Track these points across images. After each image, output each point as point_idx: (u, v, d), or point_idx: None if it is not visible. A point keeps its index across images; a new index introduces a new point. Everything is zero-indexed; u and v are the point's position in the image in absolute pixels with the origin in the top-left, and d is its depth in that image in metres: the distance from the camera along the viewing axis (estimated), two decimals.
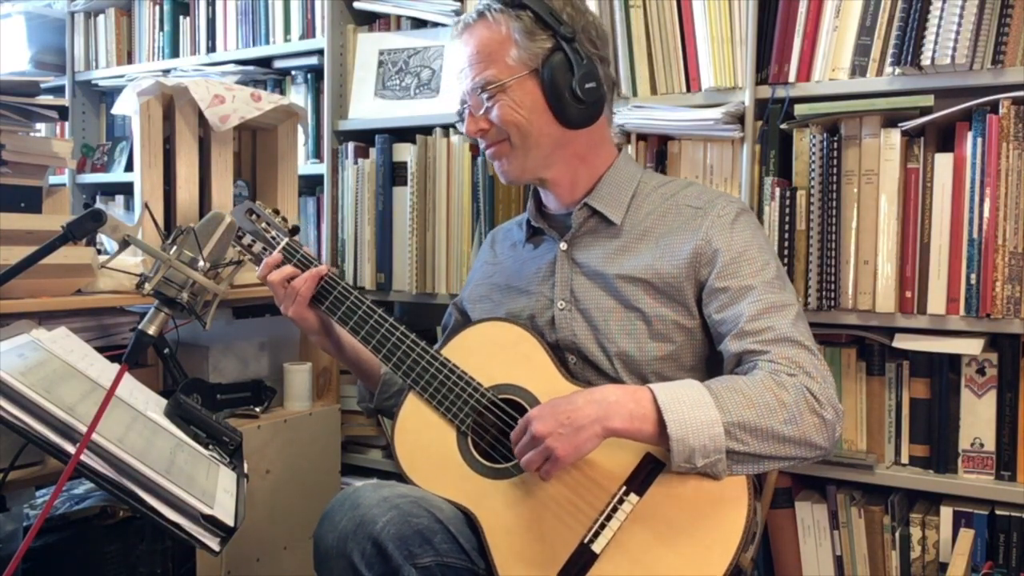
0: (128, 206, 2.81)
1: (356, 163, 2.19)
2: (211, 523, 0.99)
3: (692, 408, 1.12)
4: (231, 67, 2.48)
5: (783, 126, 1.70)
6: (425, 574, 1.13)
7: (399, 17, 2.22)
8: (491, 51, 1.29)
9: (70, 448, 0.95)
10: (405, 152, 2.11)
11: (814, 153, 1.64)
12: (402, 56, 2.20)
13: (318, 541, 1.18)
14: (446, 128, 2.08)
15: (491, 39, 1.29)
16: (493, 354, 1.31)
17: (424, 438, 1.29)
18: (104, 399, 0.98)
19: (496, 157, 1.35)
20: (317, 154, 2.38)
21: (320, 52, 2.30)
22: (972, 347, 1.55)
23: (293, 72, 2.43)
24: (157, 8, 2.72)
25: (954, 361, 1.61)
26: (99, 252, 1.78)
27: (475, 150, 2.02)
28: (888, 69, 1.61)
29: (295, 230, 1.46)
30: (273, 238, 1.43)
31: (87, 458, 0.96)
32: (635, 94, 1.83)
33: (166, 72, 2.57)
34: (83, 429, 0.96)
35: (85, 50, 2.90)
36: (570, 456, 1.12)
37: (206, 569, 1.66)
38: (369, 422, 2.19)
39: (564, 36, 1.27)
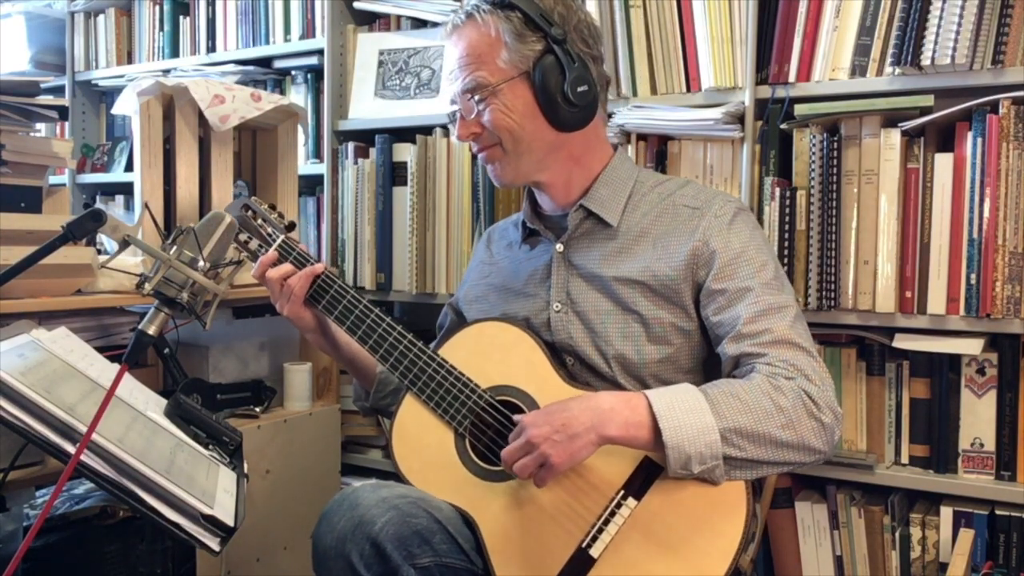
0: (128, 206, 2.81)
1: (356, 163, 2.19)
2: (211, 523, 0.99)
3: (688, 414, 1.11)
4: (231, 67, 2.48)
5: (783, 126, 1.70)
6: (424, 574, 1.13)
7: (399, 17, 2.22)
8: (480, 53, 1.27)
9: (70, 448, 0.95)
10: (405, 152, 2.11)
11: (814, 153, 1.64)
12: (402, 56, 2.20)
13: (317, 541, 1.18)
14: (446, 128, 2.07)
15: (480, 41, 1.27)
16: (490, 355, 1.30)
17: (422, 440, 1.29)
18: (104, 399, 0.98)
19: (489, 161, 1.33)
20: (317, 154, 2.38)
21: (320, 52, 2.30)
22: (972, 347, 1.55)
23: (293, 72, 2.43)
24: (157, 8, 2.72)
25: (954, 361, 1.61)
26: (99, 252, 1.78)
27: None
28: (888, 69, 1.61)
29: (291, 226, 1.45)
30: (269, 235, 1.41)
31: (87, 458, 0.96)
32: (635, 94, 1.83)
33: (166, 72, 2.58)
34: (83, 429, 0.96)
35: (85, 50, 2.90)
36: (565, 463, 1.11)
37: (206, 569, 1.66)
38: (369, 422, 2.19)
39: (555, 38, 1.24)
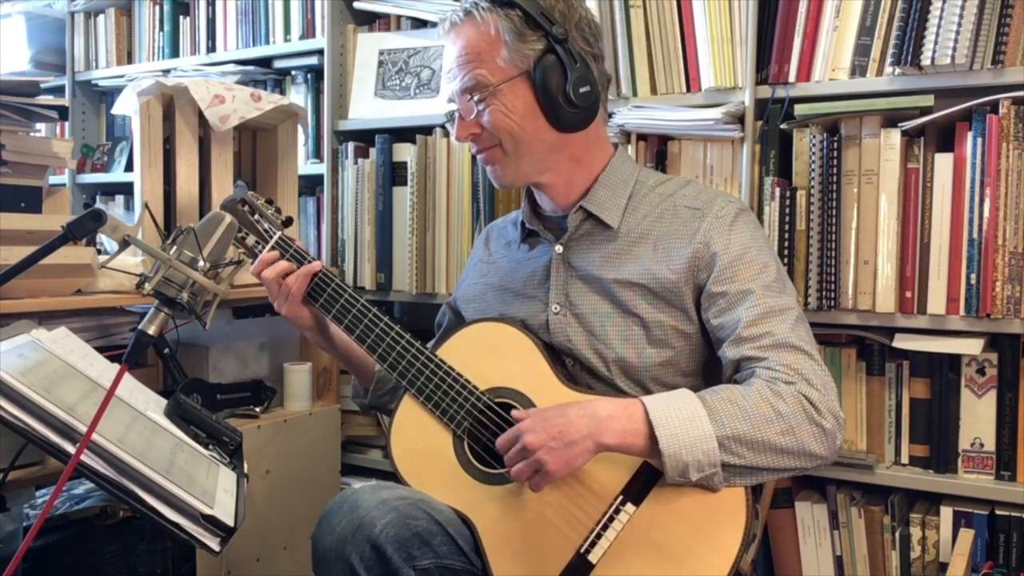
0: (128, 206, 2.81)
1: (356, 163, 2.19)
2: (211, 523, 0.99)
3: (685, 422, 1.10)
4: (231, 67, 2.48)
5: (783, 126, 1.69)
6: None
7: (399, 17, 2.22)
8: (480, 52, 1.24)
9: (70, 448, 0.95)
10: (405, 152, 2.11)
11: (814, 153, 1.64)
12: (402, 56, 2.20)
13: (316, 543, 1.17)
14: (446, 128, 2.07)
15: (479, 39, 1.24)
16: (488, 356, 1.29)
17: (420, 442, 1.28)
18: (104, 399, 0.98)
19: (488, 162, 1.31)
20: (317, 154, 2.38)
21: (320, 52, 2.30)
22: (972, 347, 1.55)
23: (293, 72, 2.43)
24: (157, 8, 2.72)
25: (954, 361, 1.61)
26: (99, 252, 1.78)
27: None
28: (888, 69, 1.61)
29: (288, 221, 1.43)
30: (266, 230, 1.40)
31: (87, 458, 0.96)
32: (635, 94, 1.83)
33: (166, 72, 2.58)
34: (83, 429, 0.96)
35: (85, 50, 2.90)
36: (561, 470, 1.11)
37: (206, 569, 1.66)
38: (369, 422, 2.19)
39: (556, 37, 1.22)
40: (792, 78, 1.68)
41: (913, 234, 1.59)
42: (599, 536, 1.14)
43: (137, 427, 1.11)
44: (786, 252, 1.66)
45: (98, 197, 2.90)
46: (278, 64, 2.45)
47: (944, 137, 1.61)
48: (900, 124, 1.58)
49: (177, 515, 0.98)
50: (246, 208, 1.41)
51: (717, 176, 1.77)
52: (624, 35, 1.82)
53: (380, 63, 2.23)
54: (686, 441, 1.09)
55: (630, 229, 1.30)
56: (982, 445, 1.59)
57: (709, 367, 1.28)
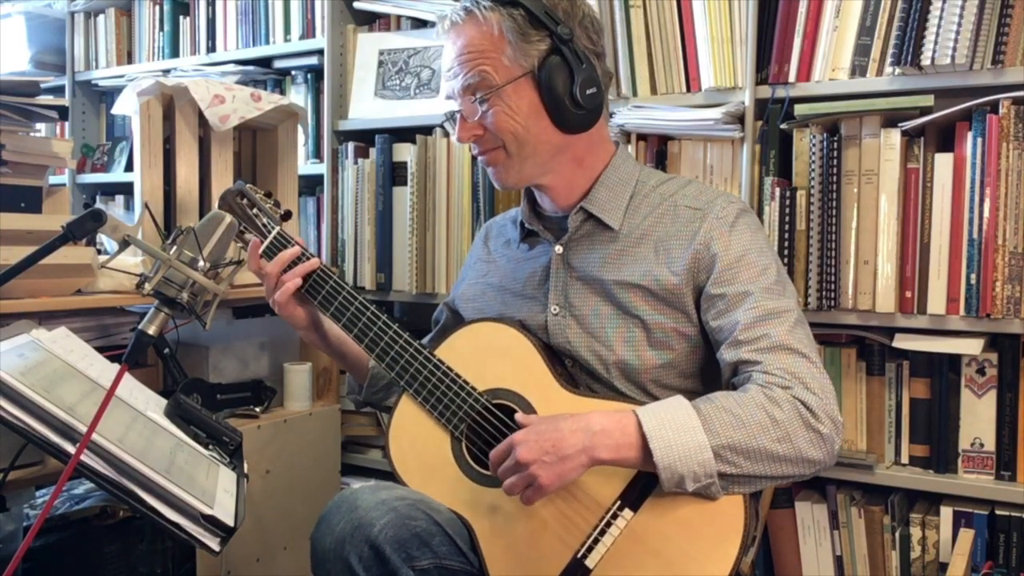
0: (128, 206, 2.81)
1: (356, 163, 2.19)
2: (211, 523, 0.99)
3: (679, 433, 1.08)
4: (231, 67, 2.48)
5: (783, 126, 1.70)
6: None
7: (399, 17, 2.22)
8: (483, 50, 1.21)
9: (70, 448, 0.95)
10: (405, 152, 2.11)
11: (814, 153, 1.64)
12: (402, 56, 2.20)
13: (315, 544, 1.17)
14: (446, 128, 2.07)
15: (481, 39, 1.21)
16: (487, 356, 1.28)
17: (418, 443, 1.28)
18: (104, 399, 0.98)
19: (490, 164, 1.29)
20: (317, 154, 2.38)
21: (320, 52, 2.30)
22: (972, 347, 1.55)
23: (293, 72, 2.43)
24: (157, 8, 2.72)
25: (954, 361, 1.61)
26: (99, 252, 1.78)
27: None
28: (888, 69, 1.61)
29: (287, 215, 1.41)
30: (264, 225, 1.39)
31: (87, 458, 0.96)
32: (635, 94, 1.83)
33: (166, 72, 2.58)
34: (83, 429, 0.96)
35: (85, 50, 2.90)
36: (553, 485, 1.10)
37: (206, 569, 1.66)
38: (369, 422, 2.19)
39: (561, 37, 1.20)
40: (792, 78, 1.68)
41: (913, 234, 1.59)
42: (596, 541, 1.14)
43: (137, 427, 1.11)
44: (786, 252, 1.66)
45: (98, 197, 2.90)
46: (278, 64, 2.45)
47: (944, 137, 1.61)
48: (900, 124, 1.58)
49: (177, 515, 0.98)
50: (244, 202, 1.39)
51: (717, 176, 1.77)
52: (624, 35, 1.82)
53: (380, 63, 2.23)
54: (681, 452, 1.08)
55: (631, 230, 1.28)
56: (982, 445, 1.59)
57: (709, 369, 1.27)
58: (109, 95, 2.96)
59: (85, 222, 1.16)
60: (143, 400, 1.25)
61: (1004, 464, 1.57)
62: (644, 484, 1.14)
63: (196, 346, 1.87)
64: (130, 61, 2.82)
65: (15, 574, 1.06)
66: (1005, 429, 1.57)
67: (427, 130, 2.11)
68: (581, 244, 1.31)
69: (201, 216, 1.73)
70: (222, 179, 1.85)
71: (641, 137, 1.84)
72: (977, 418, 1.60)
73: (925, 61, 1.53)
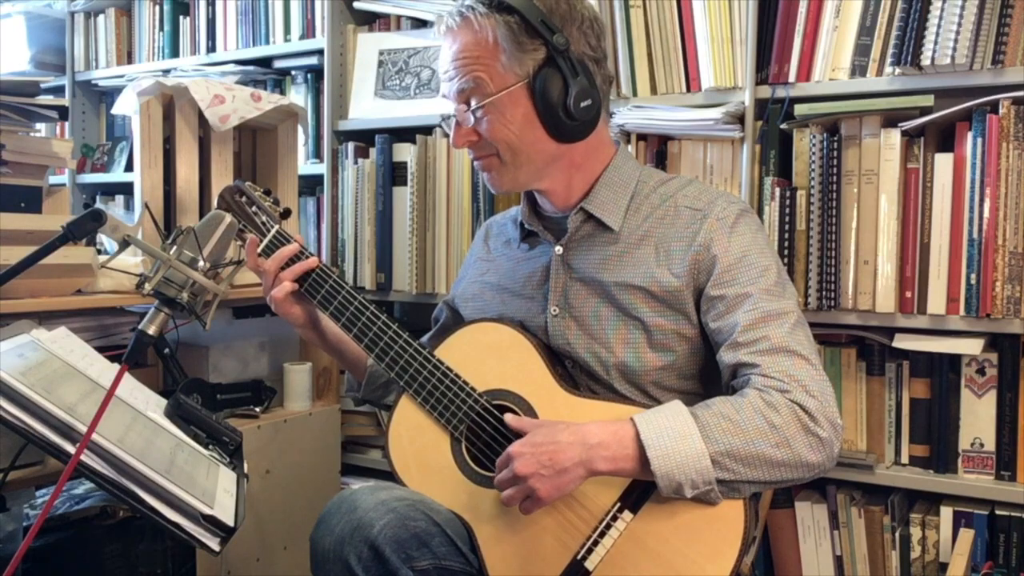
0: (128, 206, 2.81)
1: (356, 163, 2.19)
2: (211, 523, 0.99)
3: (677, 441, 1.08)
4: (231, 67, 2.48)
5: (783, 126, 1.70)
6: None
7: (399, 17, 2.22)
8: (477, 56, 1.20)
9: (70, 448, 0.95)
10: (405, 152, 2.11)
11: (814, 153, 1.64)
12: (402, 56, 2.20)
13: (315, 544, 1.17)
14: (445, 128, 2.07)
15: (476, 44, 1.20)
16: (487, 357, 1.28)
17: (418, 443, 1.27)
18: (104, 399, 0.98)
19: (485, 170, 1.28)
20: (317, 154, 2.38)
21: (320, 52, 2.30)
22: (972, 347, 1.55)
23: (293, 72, 2.43)
24: (157, 8, 2.72)
25: (954, 361, 1.62)
26: (99, 252, 1.78)
27: None
28: (888, 69, 1.61)
29: (287, 213, 1.41)
30: (263, 223, 1.38)
31: (87, 458, 0.96)
32: (635, 94, 1.83)
33: (166, 72, 2.58)
34: (83, 429, 0.96)
35: (85, 50, 2.90)
36: (552, 496, 1.10)
37: (206, 569, 1.66)
38: (369, 422, 2.19)
39: (557, 47, 1.18)
40: (792, 78, 1.68)
41: (913, 234, 1.59)
42: (596, 543, 1.13)
43: (137, 427, 1.11)
44: (786, 252, 1.66)
45: (98, 197, 2.90)
46: (278, 64, 2.45)
47: (944, 137, 1.61)
48: (900, 124, 1.58)
49: (177, 515, 0.98)
50: (244, 199, 1.39)
51: (717, 176, 1.77)
52: (624, 35, 1.82)
53: (380, 63, 2.23)
54: (678, 460, 1.07)
55: (631, 231, 1.28)
56: (982, 445, 1.59)
57: (709, 371, 1.27)
58: (109, 95, 2.96)
59: (85, 222, 1.16)
60: (143, 400, 1.25)
61: (1004, 464, 1.57)
62: (644, 487, 1.13)
63: (196, 346, 1.87)
64: (130, 61, 2.82)
65: (15, 574, 1.06)
66: (1005, 429, 1.57)
67: (427, 130, 2.11)
68: (581, 245, 1.30)
69: (201, 216, 1.73)
70: (222, 179, 1.85)
71: (641, 137, 1.84)
72: (977, 418, 1.60)
73: (925, 61, 1.53)
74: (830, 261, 1.63)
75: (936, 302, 1.57)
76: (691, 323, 1.23)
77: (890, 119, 1.60)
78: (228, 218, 1.29)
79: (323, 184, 2.28)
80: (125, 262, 1.60)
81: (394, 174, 2.13)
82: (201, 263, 1.20)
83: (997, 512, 1.58)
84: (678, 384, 1.26)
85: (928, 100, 1.53)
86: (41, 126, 1.99)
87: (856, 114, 1.60)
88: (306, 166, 2.34)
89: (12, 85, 1.55)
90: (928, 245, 1.58)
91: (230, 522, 1.01)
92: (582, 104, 1.20)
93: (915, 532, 1.64)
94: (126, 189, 2.80)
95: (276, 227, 1.38)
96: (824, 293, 1.63)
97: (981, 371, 1.59)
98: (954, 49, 1.50)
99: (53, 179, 2.75)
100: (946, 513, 1.61)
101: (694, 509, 1.11)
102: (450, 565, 1.16)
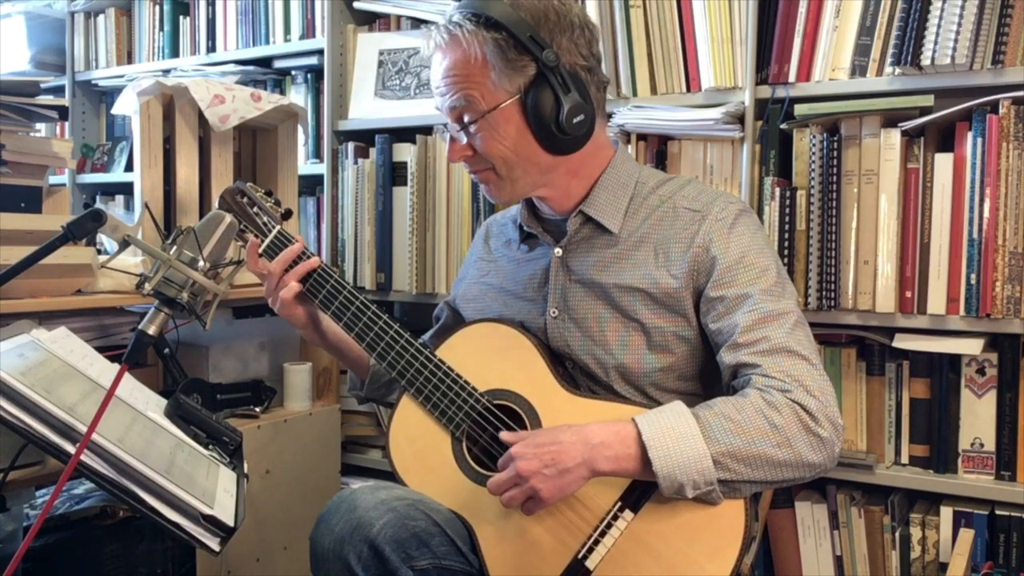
0: (128, 206, 2.81)
1: (356, 163, 2.19)
2: (211, 523, 0.99)
3: (678, 441, 1.08)
4: (231, 67, 2.48)
5: (783, 126, 1.70)
6: None
7: (399, 17, 2.22)
8: (468, 74, 1.19)
9: (70, 448, 0.95)
10: (405, 152, 2.11)
11: (814, 153, 1.64)
12: (402, 56, 2.20)
13: (314, 544, 1.17)
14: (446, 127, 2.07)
15: (465, 63, 1.19)
16: (488, 357, 1.28)
17: (418, 443, 1.27)
18: (104, 399, 0.98)
19: (483, 182, 1.29)
20: (317, 154, 2.38)
21: (320, 52, 2.30)
22: (972, 347, 1.55)
23: (293, 72, 2.43)
24: (157, 8, 2.73)
25: (954, 361, 1.62)
26: (99, 252, 1.78)
27: None
28: (888, 69, 1.61)
29: (288, 214, 1.41)
30: (265, 224, 1.38)
31: (87, 458, 0.96)
32: (635, 94, 1.83)
33: (166, 72, 2.58)
34: (83, 429, 0.96)
35: (85, 50, 2.90)
36: (554, 497, 1.10)
37: (206, 569, 1.66)
38: (369, 422, 2.19)
39: (546, 63, 1.16)
40: (792, 78, 1.68)
41: (913, 234, 1.59)
42: (597, 542, 1.13)
43: (137, 427, 1.11)
44: (786, 252, 1.66)
45: (98, 197, 2.90)
46: (278, 64, 2.45)
47: (944, 137, 1.61)
48: (900, 124, 1.58)
49: (177, 515, 0.98)
50: (245, 200, 1.39)
51: (717, 176, 1.77)
52: (624, 35, 1.82)
53: (380, 63, 2.23)
54: (680, 461, 1.08)
55: (630, 233, 1.27)
56: (982, 445, 1.59)
57: (709, 372, 1.26)
58: (109, 95, 2.96)
59: (85, 222, 1.16)
60: (143, 400, 1.25)
61: (1004, 464, 1.58)
62: (645, 486, 1.13)
63: (196, 346, 1.87)
64: (130, 61, 2.82)
65: (15, 574, 1.06)
66: (1005, 429, 1.57)
67: (427, 130, 2.11)
68: (580, 247, 1.30)
69: (201, 216, 1.73)
70: (222, 179, 1.85)
71: (641, 137, 1.84)
72: (977, 418, 1.60)
73: (925, 61, 1.53)
74: (830, 261, 1.63)
75: (936, 302, 1.57)
76: (690, 324, 1.23)
77: (890, 119, 1.60)
78: (228, 218, 1.29)
79: (323, 184, 2.28)
80: (125, 262, 1.60)
81: (394, 174, 2.14)
82: (201, 263, 1.20)
83: (997, 512, 1.58)
84: (677, 385, 1.26)
85: (928, 100, 1.53)
86: (41, 126, 1.99)
87: (856, 114, 1.60)
88: (306, 166, 2.34)
89: (12, 85, 1.55)
90: (928, 245, 1.58)
91: (230, 522, 1.01)
92: (575, 120, 1.19)
93: (915, 532, 1.64)
94: (126, 189, 2.80)
95: (277, 228, 1.38)
96: (824, 293, 1.63)
97: (981, 371, 1.59)
98: (954, 49, 1.50)
99: (53, 179, 2.75)
100: (946, 513, 1.61)
101: (695, 509, 1.11)
102: (450, 565, 1.16)
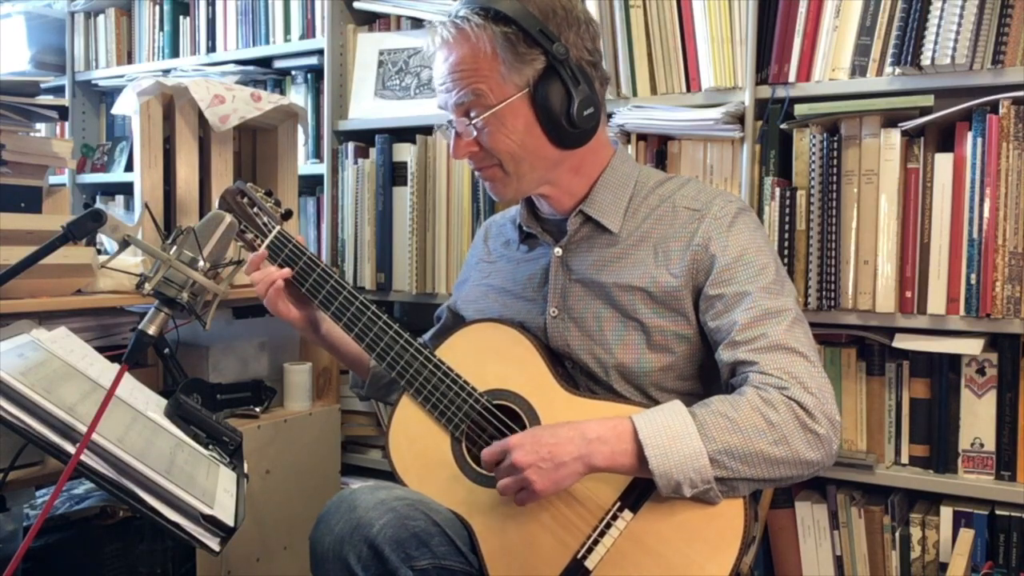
0: (128, 206, 2.81)
1: (356, 163, 2.19)
2: (211, 523, 0.99)
3: (675, 440, 1.08)
4: (231, 67, 2.48)
5: (783, 126, 1.70)
6: None
7: (399, 17, 2.22)
8: (476, 68, 1.18)
9: (70, 448, 0.95)
10: (405, 152, 2.11)
11: (814, 153, 1.64)
12: (402, 56, 2.21)
13: (314, 544, 1.17)
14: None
15: (474, 57, 1.18)
16: (488, 357, 1.28)
17: (418, 443, 1.28)
18: (104, 399, 0.98)
19: (488, 179, 1.28)
20: (317, 154, 2.38)
21: (320, 52, 2.30)
22: (972, 347, 1.55)
23: (293, 72, 2.43)
24: (157, 8, 2.73)
25: (954, 361, 1.62)
26: (99, 252, 1.78)
27: None
28: (888, 69, 1.61)
29: (288, 214, 1.41)
30: (264, 224, 1.38)
31: (87, 458, 0.96)
32: (635, 94, 1.83)
33: (166, 72, 2.58)
34: (83, 429, 0.96)
35: (85, 50, 2.90)
36: (547, 491, 1.10)
37: (206, 569, 1.66)
38: (369, 422, 2.19)
39: (556, 56, 1.17)
40: (792, 78, 1.68)
41: (913, 234, 1.59)
42: (596, 542, 1.13)
43: (137, 427, 1.11)
44: (786, 252, 1.66)
45: (98, 197, 2.90)
46: (278, 64, 2.45)
47: (944, 137, 1.61)
48: (900, 124, 1.58)
49: (177, 515, 0.98)
50: (245, 200, 1.39)
51: (717, 176, 1.77)
52: (624, 35, 1.82)
53: (380, 63, 2.23)
54: (676, 459, 1.08)
55: (630, 232, 1.27)
56: (982, 445, 1.59)
57: (709, 371, 1.26)
58: (109, 95, 2.96)
59: (85, 222, 1.16)
60: (143, 400, 1.25)
61: (1004, 464, 1.58)
62: (644, 486, 1.13)
63: (196, 346, 1.87)
64: (130, 61, 2.82)
65: (15, 574, 1.06)
66: (1005, 429, 1.57)
67: (427, 130, 2.11)
68: (580, 247, 1.30)
69: (201, 216, 1.73)
70: (222, 179, 1.85)
71: (641, 137, 1.84)
72: (977, 418, 1.60)
73: (925, 61, 1.53)
74: (830, 261, 1.63)
75: (936, 302, 1.57)
76: (690, 323, 1.23)
77: (890, 119, 1.60)
78: (228, 218, 1.28)
79: (323, 184, 2.28)
80: (125, 262, 1.60)
81: (394, 174, 2.14)
82: (201, 263, 1.19)
83: (997, 512, 1.58)
84: (677, 385, 1.26)
85: (928, 100, 1.53)
86: (41, 126, 1.99)
87: (856, 114, 1.61)
88: (306, 166, 2.34)
89: (12, 85, 1.55)
90: (928, 245, 1.58)
91: (230, 522, 1.01)
92: (585, 112, 1.20)
93: (915, 532, 1.64)
94: (126, 189, 2.80)
95: (277, 228, 1.38)
96: (824, 293, 1.63)
97: (981, 371, 1.59)
98: (954, 49, 1.50)
99: (53, 179, 2.75)
100: (946, 513, 1.61)
101: (694, 508, 1.11)
102: (450, 565, 1.16)
